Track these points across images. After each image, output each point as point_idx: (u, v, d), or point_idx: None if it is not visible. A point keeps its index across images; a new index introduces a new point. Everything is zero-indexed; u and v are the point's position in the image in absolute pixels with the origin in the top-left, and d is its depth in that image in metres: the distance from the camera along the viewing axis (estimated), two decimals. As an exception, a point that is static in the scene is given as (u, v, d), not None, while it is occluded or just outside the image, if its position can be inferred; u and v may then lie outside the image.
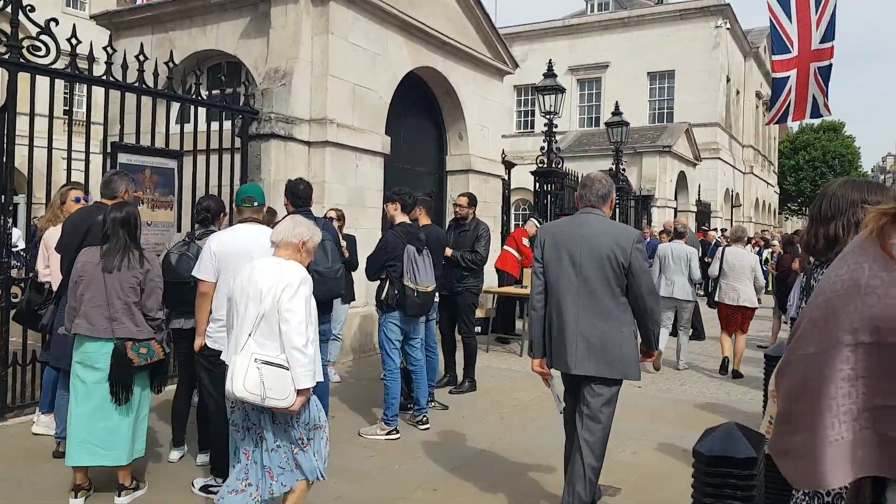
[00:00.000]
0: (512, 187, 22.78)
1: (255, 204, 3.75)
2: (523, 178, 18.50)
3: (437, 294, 5.81)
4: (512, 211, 24.66)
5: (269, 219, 4.89)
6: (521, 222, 15.45)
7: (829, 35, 24.69)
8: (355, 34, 7.99)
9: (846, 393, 0.75)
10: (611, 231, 3.38)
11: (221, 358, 3.20)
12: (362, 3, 8.03)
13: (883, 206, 0.82)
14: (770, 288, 12.48)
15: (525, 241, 9.37)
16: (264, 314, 2.90)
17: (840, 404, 0.75)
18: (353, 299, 7.07)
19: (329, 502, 3.86)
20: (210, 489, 3.73)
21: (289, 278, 2.93)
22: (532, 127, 28.72)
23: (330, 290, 4.29)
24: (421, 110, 10.01)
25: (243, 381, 2.82)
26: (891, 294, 0.72)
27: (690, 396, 6.72)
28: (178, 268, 3.97)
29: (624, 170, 18.33)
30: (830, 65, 24.41)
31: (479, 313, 9.92)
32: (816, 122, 46.83)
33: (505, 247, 9.66)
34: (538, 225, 9.89)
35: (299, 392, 2.87)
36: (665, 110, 27.01)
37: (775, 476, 2.49)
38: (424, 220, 6.03)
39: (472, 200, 6.74)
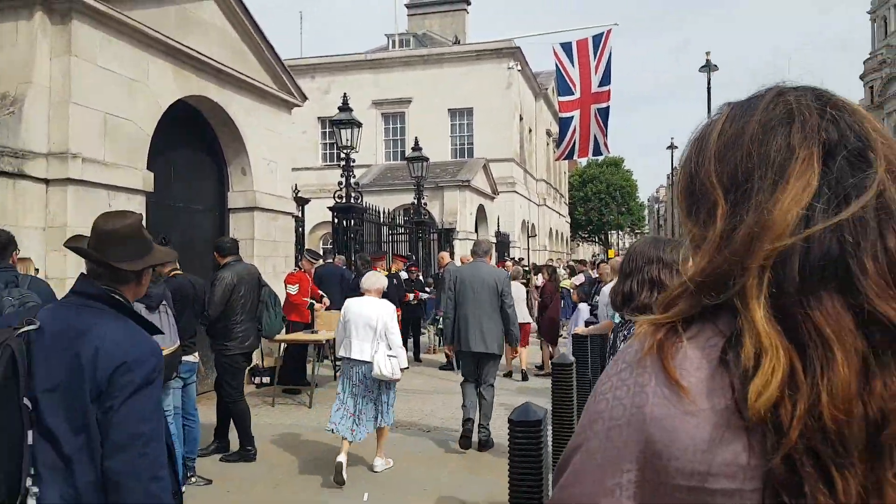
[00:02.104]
0: (317, 222, 22.33)
1: None
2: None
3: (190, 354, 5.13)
4: (320, 246, 24.10)
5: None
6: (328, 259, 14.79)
7: (605, 80, 27.23)
8: (106, 57, 7.06)
9: None
10: (493, 272, 6.39)
11: (340, 354, 5.48)
12: (116, 25, 7.13)
13: (656, 316, 0.74)
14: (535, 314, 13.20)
15: (290, 288, 8.90)
16: (376, 329, 5.19)
17: None
18: None
19: None
20: None
21: (389, 309, 5.41)
22: (339, 160, 28.43)
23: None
24: (198, 143, 9.18)
25: (385, 368, 5.09)
26: (678, 427, 0.66)
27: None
28: None
29: (426, 204, 18.58)
30: (608, 107, 26.91)
31: (267, 362, 9.26)
32: (601, 157, 51.76)
33: (287, 290, 9.05)
34: (311, 260, 9.48)
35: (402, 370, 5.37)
36: (465, 145, 28.09)
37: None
38: (172, 269, 5.33)
39: (215, 247, 6.20)
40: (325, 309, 9.40)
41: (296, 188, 11.18)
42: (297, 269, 9.47)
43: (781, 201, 0.67)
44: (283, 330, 9.25)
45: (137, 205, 7.44)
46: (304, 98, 10.88)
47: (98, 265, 1.93)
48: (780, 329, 0.64)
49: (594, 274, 13.50)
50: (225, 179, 9.62)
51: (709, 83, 22.51)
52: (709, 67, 22.36)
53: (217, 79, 8.86)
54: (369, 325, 5.21)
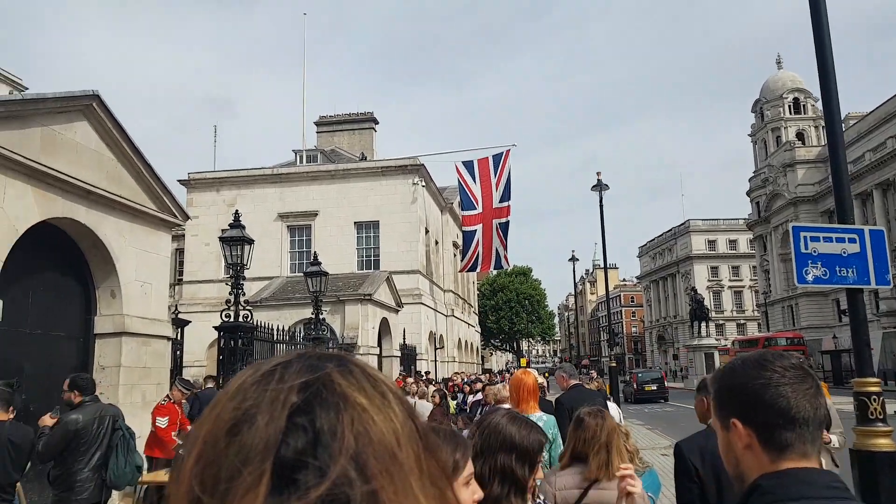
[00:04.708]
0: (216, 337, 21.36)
1: None
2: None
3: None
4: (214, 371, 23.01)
5: None
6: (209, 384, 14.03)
7: (505, 196, 28.49)
8: (-48, 180, 6.69)
9: None
10: None
11: None
12: (-32, 146, 6.83)
13: None
14: None
15: (160, 421, 8.29)
16: None
17: None
18: None
19: None
20: None
21: None
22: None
23: None
24: (62, 265, 8.69)
25: None
26: None
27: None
28: None
29: (324, 319, 18.19)
30: (508, 221, 28.01)
31: (126, 503, 8.44)
32: (509, 267, 53.13)
33: (157, 423, 8.43)
34: (183, 391, 8.91)
35: None
36: (372, 257, 28.19)
37: None
38: (2, 416, 4.86)
39: (72, 384, 5.69)
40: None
41: (175, 309, 10.70)
42: (167, 399, 8.86)
43: None
44: (145, 467, 8.55)
45: (-23, 335, 6.85)
46: (186, 217, 10.66)
47: None
48: None
49: (474, 395, 13.18)
50: (92, 303, 9.08)
51: (601, 201, 23.80)
52: (600, 186, 23.70)
53: (87, 200, 8.54)
54: None
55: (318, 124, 37.11)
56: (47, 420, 5.50)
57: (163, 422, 8.52)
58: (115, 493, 8.34)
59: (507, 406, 5.11)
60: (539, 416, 4.52)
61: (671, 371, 74.28)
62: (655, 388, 31.53)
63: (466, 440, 1.77)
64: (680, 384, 49.45)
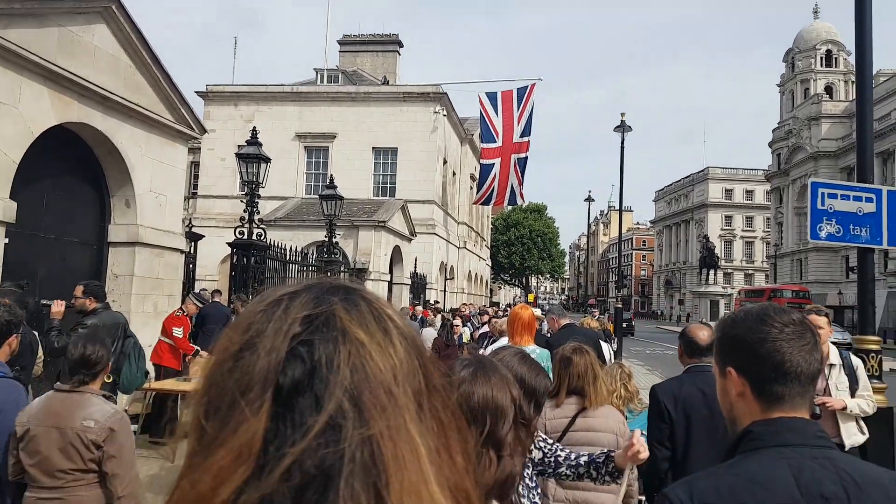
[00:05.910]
0: (229, 253, 21.63)
1: None
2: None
3: None
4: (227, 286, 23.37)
5: None
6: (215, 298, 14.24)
7: (527, 131, 27.98)
8: (-31, 77, 6.65)
9: None
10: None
11: None
12: (-16, 43, 6.74)
13: None
14: None
15: (176, 331, 8.47)
16: None
17: None
18: None
19: None
20: None
21: None
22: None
23: None
24: (77, 172, 8.72)
25: None
26: None
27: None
28: None
29: (337, 242, 18.32)
30: (526, 157, 27.64)
31: (135, 408, 8.75)
32: (525, 203, 52.73)
33: (160, 337, 8.62)
34: (198, 304, 9.06)
35: None
36: (388, 185, 28.07)
37: None
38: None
39: (88, 290, 5.79)
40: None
41: (189, 223, 10.78)
42: (181, 311, 9.03)
43: (211, 467, 0.55)
44: (153, 376, 8.82)
45: (-6, 236, 6.95)
46: (203, 130, 10.60)
47: None
48: None
49: (479, 325, 13.39)
50: (107, 211, 9.16)
51: (622, 142, 23.36)
52: (623, 128, 23.21)
53: (103, 106, 8.49)
54: None
55: (341, 43, 36.29)
56: (61, 308, 5.63)
57: (179, 332, 8.71)
58: (124, 399, 8.66)
59: (505, 340, 5.18)
60: (532, 349, 4.59)
61: (676, 316, 74.75)
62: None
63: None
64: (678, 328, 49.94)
